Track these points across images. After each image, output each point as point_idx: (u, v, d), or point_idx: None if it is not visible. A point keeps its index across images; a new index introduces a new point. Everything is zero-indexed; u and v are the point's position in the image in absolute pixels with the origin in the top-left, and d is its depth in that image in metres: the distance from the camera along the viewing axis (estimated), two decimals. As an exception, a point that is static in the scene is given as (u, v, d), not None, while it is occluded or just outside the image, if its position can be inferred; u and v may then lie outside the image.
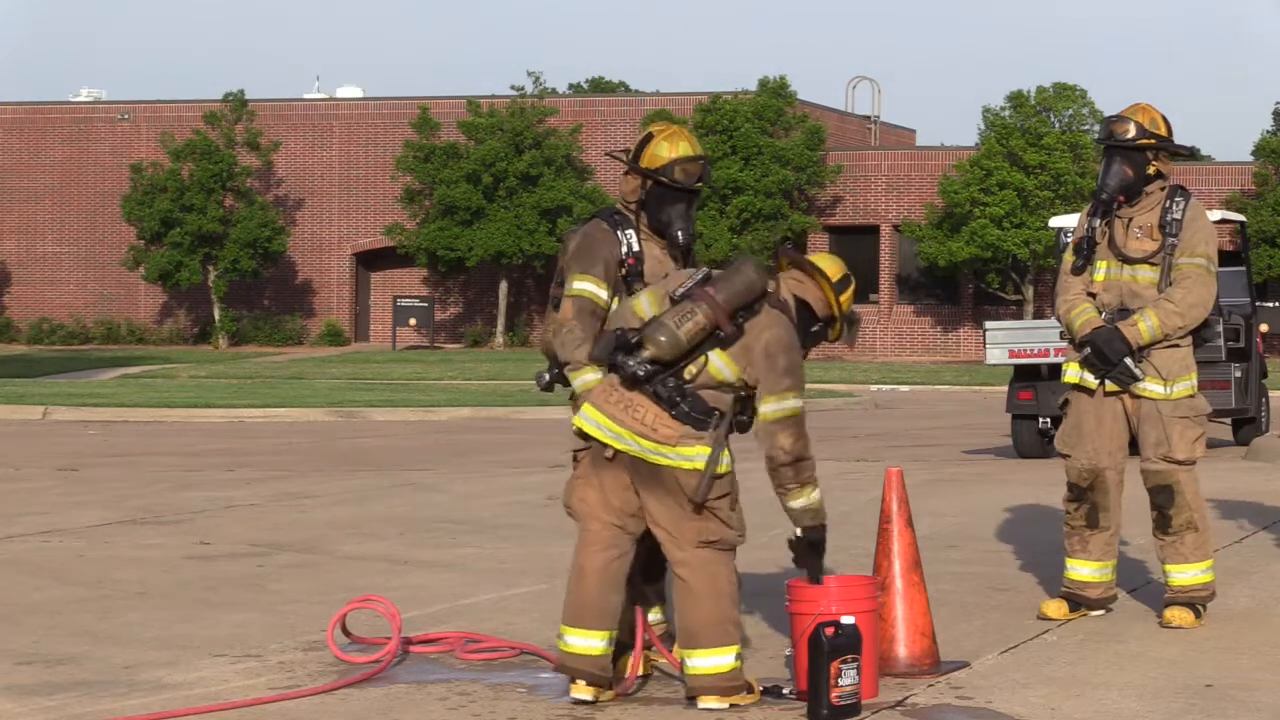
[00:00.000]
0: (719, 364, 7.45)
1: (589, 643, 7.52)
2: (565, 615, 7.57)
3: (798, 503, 7.52)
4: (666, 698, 7.74)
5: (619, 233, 8.00)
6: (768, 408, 7.43)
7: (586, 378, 7.72)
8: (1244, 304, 21.25)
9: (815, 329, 7.80)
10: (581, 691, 7.55)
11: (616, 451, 7.44)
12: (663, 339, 7.35)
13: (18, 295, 63.01)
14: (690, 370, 7.42)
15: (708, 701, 7.46)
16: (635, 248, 7.99)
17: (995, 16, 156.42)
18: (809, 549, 7.60)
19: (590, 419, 7.48)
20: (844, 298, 7.82)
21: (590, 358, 7.65)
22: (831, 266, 7.83)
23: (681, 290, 7.47)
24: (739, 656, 7.53)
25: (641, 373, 7.37)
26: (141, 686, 8.02)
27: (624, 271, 7.97)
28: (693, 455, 7.39)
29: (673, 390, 7.39)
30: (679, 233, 8.02)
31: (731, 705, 7.47)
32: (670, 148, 7.97)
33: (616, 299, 7.93)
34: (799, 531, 7.58)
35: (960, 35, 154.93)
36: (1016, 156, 53.83)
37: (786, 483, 7.48)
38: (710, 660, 7.47)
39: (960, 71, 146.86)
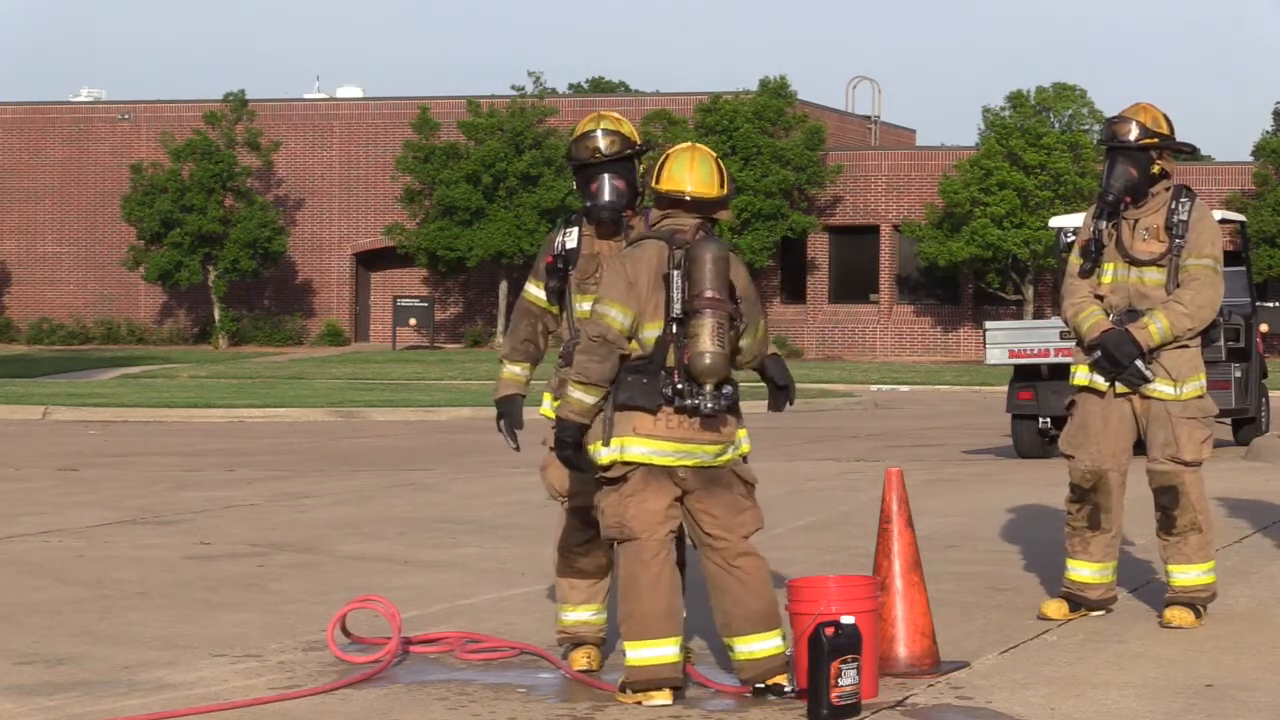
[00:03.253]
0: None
1: (667, 650, 7.61)
2: (635, 631, 7.59)
3: None
4: (666, 698, 7.75)
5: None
6: (747, 340, 7.72)
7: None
8: (1244, 304, 21.24)
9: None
10: (663, 698, 7.58)
11: (687, 469, 7.62)
12: (717, 364, 7.49)
13: (18, 295, 62.98)
14: None
15: (781, 680, 7.67)
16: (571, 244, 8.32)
17: (995, 16, 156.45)
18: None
19: (647, 449, 7.58)
20: (715, 183, 7.82)
21: (636, 405, 7.61)
22: (696, 176, 7.75)
23: (680, 305, 7.52)
24: (785, 637, 7.76)
25: (725, 403, 7.56)
26: (141, 686, 8.02)
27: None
28: (742, 439, 7.76)
29: (730, 393, 7.61)
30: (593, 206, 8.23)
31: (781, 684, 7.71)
32: (578, 129, 8.26)
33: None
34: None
35: (960, 35, 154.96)
36: (1016, 156, 53.83)
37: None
38: (774, 641, 7.70)
39: (960, 71, 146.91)
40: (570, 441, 7.68)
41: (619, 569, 7.75)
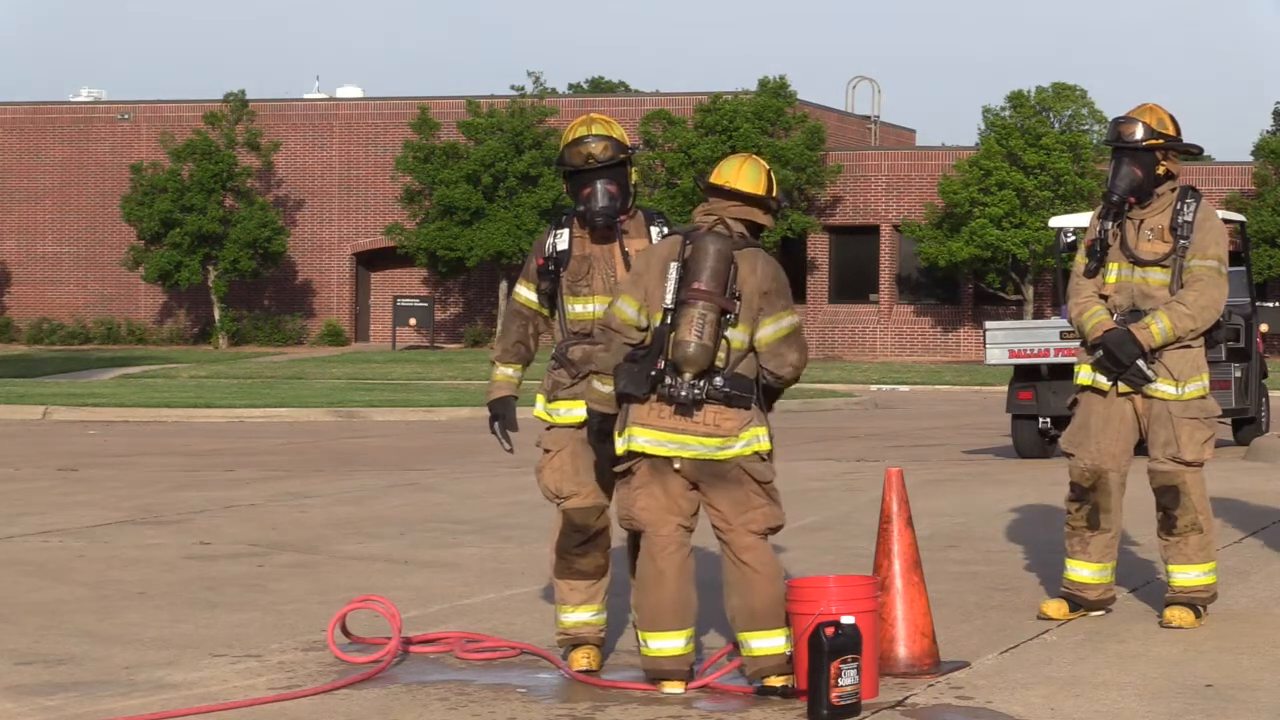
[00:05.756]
0: (736, 335, 7.70)
1: (675, 643, 7.79)
2: (645, 622, 7.80)
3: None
4: (666, 698, 7.75)
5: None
6: (767, 330, 7.74)
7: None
8: (1244, 304, 21.25)
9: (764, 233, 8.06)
10: (674, 687, 7.80)
11: (684, 460, 7.70)
12: (695, 354, 7.60)
13: (18, 295, 62.97)
14: (720, 358, 7.67)
15: (775, 681, 7.73)
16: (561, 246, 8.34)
17: (995, 16, 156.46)
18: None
19: (644, 439, 7.71)
20: (760, 185, 7.91)
21: (621, 393, 7.76)
22: (742, 175, 7.89)
23: (671, 297, 7.66)
24: (789, 638, 7.73)
25: (699, 393, 7.64)
26: (141, 686, 8.02)
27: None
28: (755, 437, 7.72)
29: (721, 384, 7.65)
30: (587, 211, 8.21)
31: (784, 685, 7.73)
32: (569, 132, 8.23)
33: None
34: None
35: (960, 35, 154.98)
36: (1016, 156, 53.83)
37: (785, 389, 7.94)
38: (773, 641, 7.75)
39: (960, 71, 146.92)
40: (594, 428, 7.92)
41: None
